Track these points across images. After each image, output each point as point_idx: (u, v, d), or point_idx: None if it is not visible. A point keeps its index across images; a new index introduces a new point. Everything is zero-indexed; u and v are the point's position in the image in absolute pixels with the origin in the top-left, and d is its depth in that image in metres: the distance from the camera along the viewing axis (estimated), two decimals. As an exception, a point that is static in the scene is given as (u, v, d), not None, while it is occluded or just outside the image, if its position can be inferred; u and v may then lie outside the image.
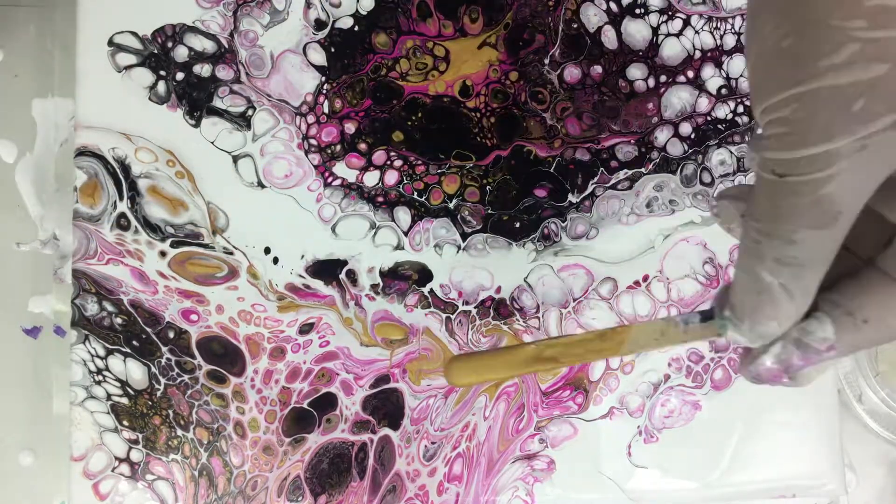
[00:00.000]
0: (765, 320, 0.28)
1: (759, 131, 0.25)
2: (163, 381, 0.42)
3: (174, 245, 0.42)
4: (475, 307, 0.44)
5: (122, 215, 0.42)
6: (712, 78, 0.45)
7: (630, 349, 0.32)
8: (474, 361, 0.33)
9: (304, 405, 0.43)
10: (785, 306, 0.28)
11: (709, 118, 0.45)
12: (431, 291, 0.44)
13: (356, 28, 0.43)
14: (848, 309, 0.28)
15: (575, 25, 0.45)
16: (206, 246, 0.42)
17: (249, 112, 0.43)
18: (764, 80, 0.25)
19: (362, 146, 0.43)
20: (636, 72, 0.45)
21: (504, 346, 0.38)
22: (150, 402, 0.42)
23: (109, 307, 0.42)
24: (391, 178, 0.43)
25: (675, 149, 0.45)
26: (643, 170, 0.45)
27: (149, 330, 0.42)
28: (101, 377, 0.42)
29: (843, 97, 0.24)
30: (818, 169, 0.25)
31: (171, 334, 0.42)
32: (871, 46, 0.24)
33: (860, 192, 0.25)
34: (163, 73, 0.42)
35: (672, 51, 0.45)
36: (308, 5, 0.43)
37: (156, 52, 0.42)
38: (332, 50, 0.43)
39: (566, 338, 0.32)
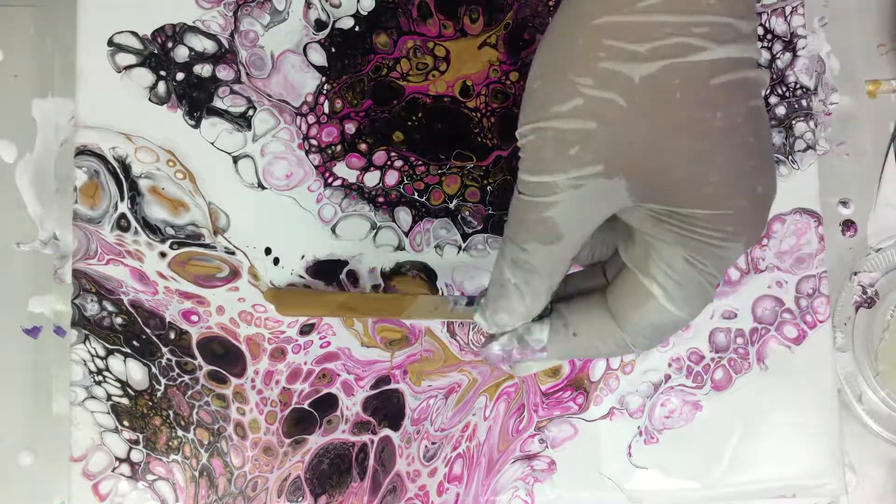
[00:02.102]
0: (500, 311, 0.33)
1: None
2: (163, 381, 0.42)
3: (174, 246, 0.42)
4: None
5: (123, 216, 0.42)
6: (713, 78, 0.45)
7: (409, 315, 0.39)
8: (299, 297, 0.42)
9: (305, 406, 0.43)
10: (516, 303, 0.32)
11: (709, 118, 0.45)
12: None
13: (356, 28, 0.43)
14: (565, 321, 0.33)
15: (575, 25, 0.45)
16: (207, 246, 0.42)
17: (250, 112, 0.43)
18: (521, 111, 0.30)
19: (363, 146, 0.43)
20: (637, 72, 0.45)
21: (323, 290, 0.43)
22: (150, 403, 0.42)
23: (109, 307, 0.42)
24: (392, 178, 0.43)
25: (676, 149, 0.45)
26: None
27: (149, 330, 0.42)
28: (101, 377, 0.42)
29: (564, 141, 0.28)
30: (542, 194, 0.29)
31: (172, 335, 0.42)
32: (592, 103, 0.28)
33: (580, 223, 0.30)
34: (163, 73, 0.42)
35: (672, 51, 0.45)
36: (308, 5, 0.43)
37: (156, 52, 0.42)
38: (333, 50, 0.43)
39: (369, 295, 0.41)
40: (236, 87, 0.43)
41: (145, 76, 0.42)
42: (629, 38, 0.27)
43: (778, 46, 0.45)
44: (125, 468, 0.42)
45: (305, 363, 0.43)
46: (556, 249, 0.30)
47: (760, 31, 0.45)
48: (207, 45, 0.43)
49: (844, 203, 0.47)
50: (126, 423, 0.42)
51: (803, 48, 0.46)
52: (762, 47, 0.45)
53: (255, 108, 0.43)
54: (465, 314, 0.38)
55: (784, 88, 0.45)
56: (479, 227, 0.44)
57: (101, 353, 0.42)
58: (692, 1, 0.27)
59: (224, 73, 0.43)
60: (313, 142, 0.43)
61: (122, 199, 0.42)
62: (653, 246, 0.30)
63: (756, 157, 0.28)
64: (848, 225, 0.47)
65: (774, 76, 0.45)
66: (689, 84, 0.27)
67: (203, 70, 0.43)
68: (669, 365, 0.44)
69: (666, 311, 0.30)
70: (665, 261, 0.30)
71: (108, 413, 0.42)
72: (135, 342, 0.42)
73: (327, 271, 0.43)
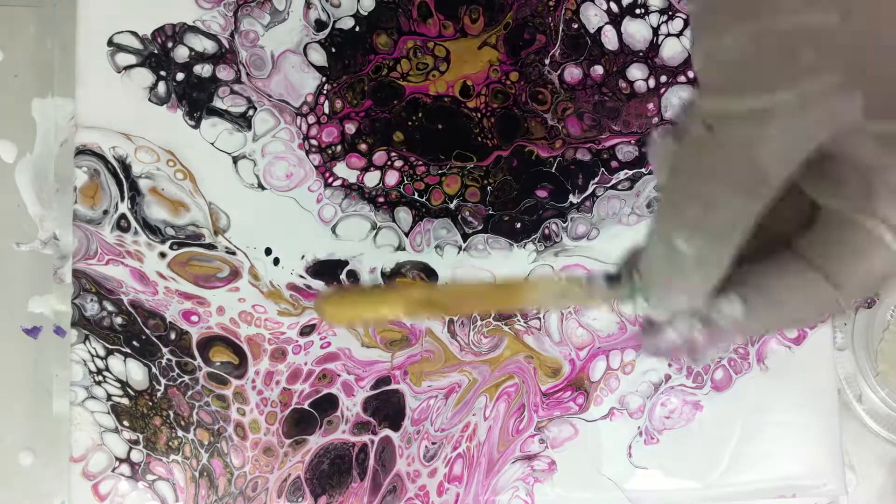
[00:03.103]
0: (675, 292, 0.26)
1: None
2: (163, 381, 0.42)
3: (174, 246, 0.42)
4: (476, 308, 0.44)
5: (123, 216, 0.42)
6: (713, 78, 0.45)
7: (528, 303, 0.29)
8: (352, 297, 0.30)
9: (305, 406, 0.43)
10: (697, 278, 0.25)
11: (709, 118, 0.45)
12: (432, 292, 0.43)
13: (357, 28, 0.43)
14: (761, 289, 0.26)
15: (575, 25, 0.45)
16: (207, 246, 0.42)
17: (250, 112, 0.43)
18: (711, 16, 0.23)
19: (363, 146, 0.43)
20: (637, 72, 0.45)
21: (381, 286, 0.35)
22: (150, 403, 0.42)
23: (109, 307, 0.42)
24: (392, 178, 0.43)
25: (676, 149, 0.45)
26: (644, 170, 0.45)
27: (149, 330, 0.42)
28: (101, 377, 0.42)
29: (793, 44, 0.22)
30: (752, 124, 0.22)
31: (172, 335, 0.42)
32: None
33: (790, 159, 0.23)
34: (163, 73, 0.42)
35: (672, 51, 0.45)
36: (308, 5, 0.43)
37: (156, 52, 0.42)
38: (333, 50, 0.43)
39: (460, 285, 0.31)
40: (236, 87, 0.43)
41: (145, 76, 0.42)
42: None
43: (778, 46, 0.45)
44: (125, 468, 0.42)
45: (306, 363, 0.43)
46: (756, 200, 0.23)
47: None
48: (207, 45, 0.43)
49: (844, 203, 0.47)
50: (126, 423, 0.42)
51: (803, 48, 0.45)
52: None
53: (255, 108, 0.43)
54: (611, 296, 0.28)
55: (784, 88, 0.45)
56: (480, 228, 0.44)
57: (101, 353, 0.42)
58: None
59: (224, 73, 0.43)
60: (313, 142, 0.43)
61: (122, 199, 0.42)
62: (878, 177, 0.24)
63: None
64: (848, 225, 0.47)
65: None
66: None
67: (203, 70, 0.43)
68: (670, 365, 0.44)
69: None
70: None
71: (108, 413, 0.42)
72: (135, 342, 0.42)
73: (327, 271, 0.43)
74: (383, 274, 0.43)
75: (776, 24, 0.22)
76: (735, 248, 0.25)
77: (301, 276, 0.43)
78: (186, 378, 0.42)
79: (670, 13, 0.45)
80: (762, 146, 0.22)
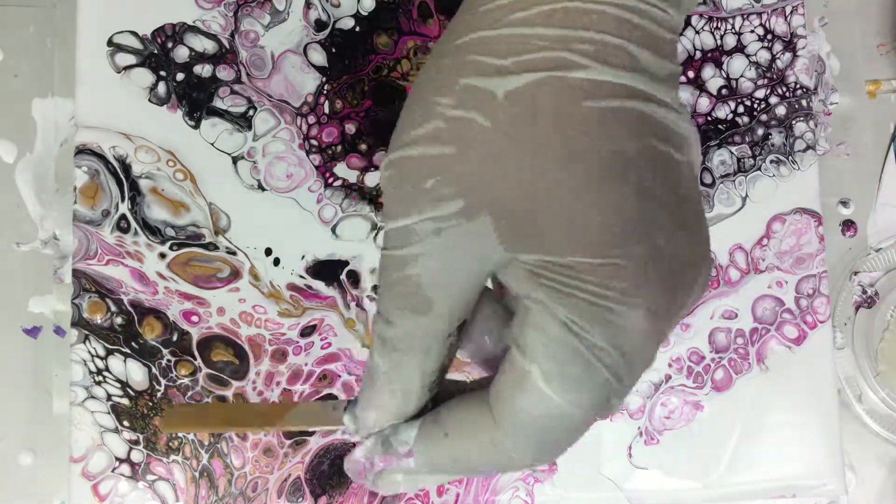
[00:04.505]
0: (368, 409, 0.27)
1: None
2: (163, 382, 0.42)
3: (174, 247, 0.42)
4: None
5: (123, 217, 0.42)
6: (713, 78, 0.45)
7: (284, 425, 0.31)
8: (187, 414, 0.35)
9: (305, 406, 0.43)
10: (385, 396, 0.26)
11: (709, 118, 0.45)
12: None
13: (357, 29, 0.43)
14: (438, 418, 0.27)
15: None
16: (208, 247, 0.42)
17: (250, 112, 0.43)
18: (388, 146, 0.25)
19: (363, 146, 0.43)
20: (637, 72, 0.45)
21: (218, 403, 0.39)
22: (150, 403, 0.42)
23: (111, 307, 0.42)
24: (392, 178, 0.43)
25: (676, 149, 0.45)
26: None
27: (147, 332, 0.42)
28: (101, 377, 0.42)
29: (421, 172, 0.24)
30: (401, 245, 0.24)
31: (175, 336, 0.42)
32: (452, 125, 0.23)
33: (448, 282, 0.24)
34: (163, 73, 0.42)
35: (673, 51, 0.45)
36: (308, 6, 0.43)
37: (156, 52, 0.42)
38: (333, 50, 0.43)
39: (245, 406, 0.36)
40: (237, 87, 0.43)
41: (145, 76, 0.42)
42: (497, 52, 0.23)
43: (778, 46, 0.45)
44: (125, 468, 0.42)
45: (306, 364, 0.43)
46: (426, 319, 0.25)
47: (760, 31, 0.45)
48: (208, 45, 0.43)
49: (844, 203, 0.47)
50: (126, 423, 0.42)
51: (803, 48, 0.46)
52: (762, 47, 0.45)
53: (255, 109, 0.43)
54: (339, 420, 0.30)
55: (784, 88, 0.45)
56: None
57: (101, 353, 0.42)
58: (576, 14, 0.22)
59: (224, 73, 0.43)
60: (314, 142, 0.43)
61: (122, 199, 0.42)
62: (529, 311, 0.24)
63: (656, 204, 0.23)
64: (848, 225, 0.47)
65: (774, 76, 0.45)
66: (560, 103, 0.22)
67: (203, 70, 0.43)
68: (670, 365, 0.44)
69: (544, 395, 0.23)
70: (541, 328, 0.23)
71: (108, 413, 0.42)
72: (134, 343, 0.42)
73: (327, 271, 0.43)
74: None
75: (408, 154, 0.24)
76: (420, 368, 0.26)
77: (301, 277, 0.43)
78: (186, 379, 0.42)
79: (670, 13, 0.45)
80: (413, 266, 0.24)
